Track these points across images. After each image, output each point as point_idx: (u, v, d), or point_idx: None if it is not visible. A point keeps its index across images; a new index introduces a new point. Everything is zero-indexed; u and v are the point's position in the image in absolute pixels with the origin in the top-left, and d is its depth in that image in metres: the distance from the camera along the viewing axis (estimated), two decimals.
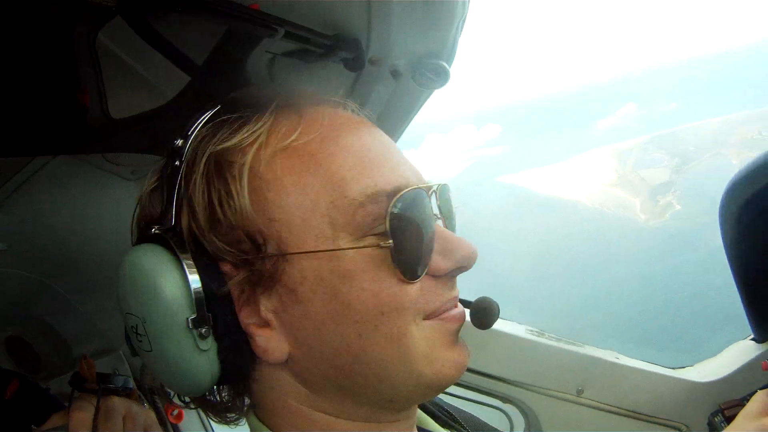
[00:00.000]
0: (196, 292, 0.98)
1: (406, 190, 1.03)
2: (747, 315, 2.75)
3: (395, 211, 1.00)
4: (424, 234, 1.05)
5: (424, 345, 1.05)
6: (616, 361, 2.80)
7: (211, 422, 2.52)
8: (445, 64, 1.86)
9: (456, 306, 1.12)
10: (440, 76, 1.87)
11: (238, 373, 1.08)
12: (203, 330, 0.98)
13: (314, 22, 1.55)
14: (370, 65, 1.73)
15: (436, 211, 1.14)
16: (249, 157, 1.01)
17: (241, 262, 1.01)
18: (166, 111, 1.53)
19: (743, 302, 2.72)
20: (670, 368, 2.83)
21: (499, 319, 1.25)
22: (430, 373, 1.06)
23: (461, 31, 1.82)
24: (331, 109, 1.12)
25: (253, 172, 1.01)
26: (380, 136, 1.13)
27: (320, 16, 1.56)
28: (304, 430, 1.09)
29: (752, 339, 2.81)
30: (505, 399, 2.80)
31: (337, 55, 1.60)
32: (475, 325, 1.24)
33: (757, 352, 2.73)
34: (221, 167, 1.01)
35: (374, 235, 1.01)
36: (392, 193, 1.02)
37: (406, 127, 2.24)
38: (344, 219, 1.00)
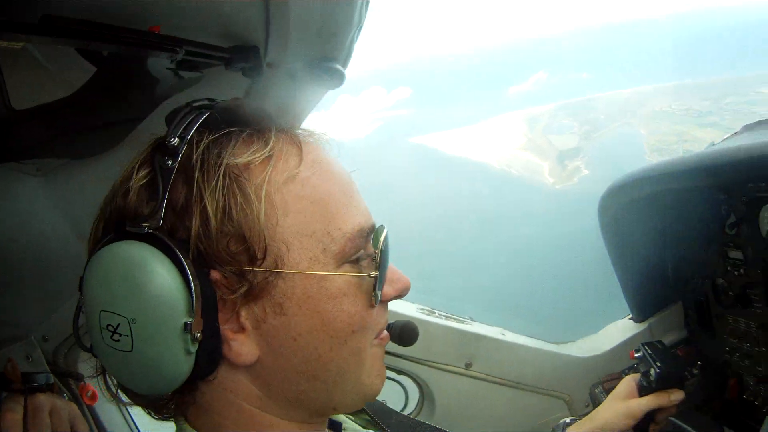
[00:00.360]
0: (195, 297, 1.01)
1: (385, 231, 1.19)
2: (626, 299, 2.99)
3: (383, 248, 1.17)
4: (387, 270, 1.23)
5: (370, 360, 1.22)
6: (502, 337, 2.95)
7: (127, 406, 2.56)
8: (340, 67, 1.91)
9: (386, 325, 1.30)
10: (335, 78, 1.91)
11: (205, 374, 1.10)
12: (197, 334, 1.02)
13: (214, 33, 1.58)
14: (268, 68, 1.76)
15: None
16: (265, 178, 1.07)
17: (233, 272, 1.05)
18: (72, 103, 1.50)
19: (622, 288, 2.96)
20: (554, 343, 3.01)
21: None
22: (369, 384, 1.23)
23: (358, 35, 1.87)
24: (315, 142, 1.21)
25: (267, 192, 1.06)
26: (346, 170, 1.24)
27: (220, 27, 1.58)
28: (246, 428, 1.16)
29: (631, 318, 3.06)
30: (400, 372, 2.92)
31: (236, 65, 1.62)
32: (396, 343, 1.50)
33: (635, 331, 2.98)
34: (239, 181, 1.05)
35: (351, 262, 1.14)
36: (370, 230, 1.18)
37: (301, 124, 2.23)
38: (336, 248, 1.12)
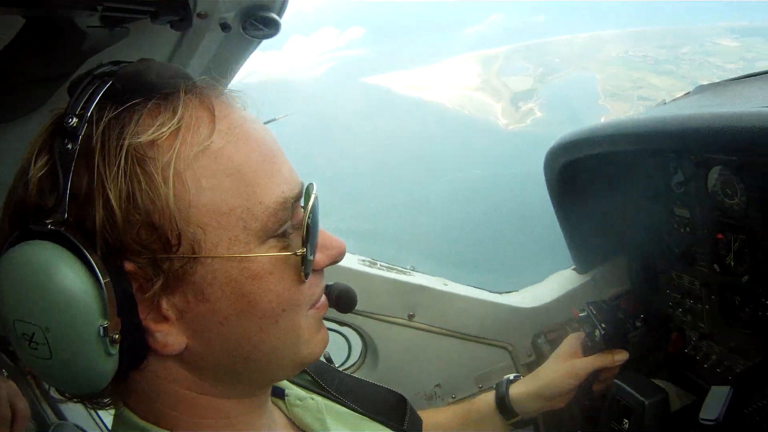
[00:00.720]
0: (108, 298, 0.94)
1: (313, 196, 1.12)
2: (570, 250, 2.99)
3: (309, 222, 1.09)
4: (318, 236, 1.16)
5: (307, 332, 1.16)
6: (444, 288, 2.93)
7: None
8: (276, 16, 1.82)
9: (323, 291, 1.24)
10: (271, 27, 1.82)
11: (132, 367, 1.05)
12: (115, 336, 0.95)
13: None
14: (199, 19, 1.65)
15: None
16: (173, 156, 0.96)
17: (148, 262, 0.97)
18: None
19: (566, 240, 2.95)
20: (497, 293, 3.01)
21: None
22: (307, 353, 1.18)
23: None
24: (229, 103, 1.09)
25: (176, 171, 0.96)
26: (269, 131, 1.15)
27: None
28: (186, 411, 1.11)
29: (574, 269, 3.07)
30: (342, 323, 2.89)
31: (163, 18, 1.52)
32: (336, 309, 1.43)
33: (578, 283, 3.00)
34: (144, 163, 0.95)
35: (276, 237, 1.06)
36: (296, 198, 1.10)
37: (234, 76, 2.18)
38: (257, 224, 1.03)
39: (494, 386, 2.31)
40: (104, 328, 0.93)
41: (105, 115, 0.96)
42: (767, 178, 2.01)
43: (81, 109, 0.96)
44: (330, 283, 1.36)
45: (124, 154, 0.94)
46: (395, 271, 2.91)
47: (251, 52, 2.05)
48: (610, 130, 2.37)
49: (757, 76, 2.50)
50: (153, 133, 0.96)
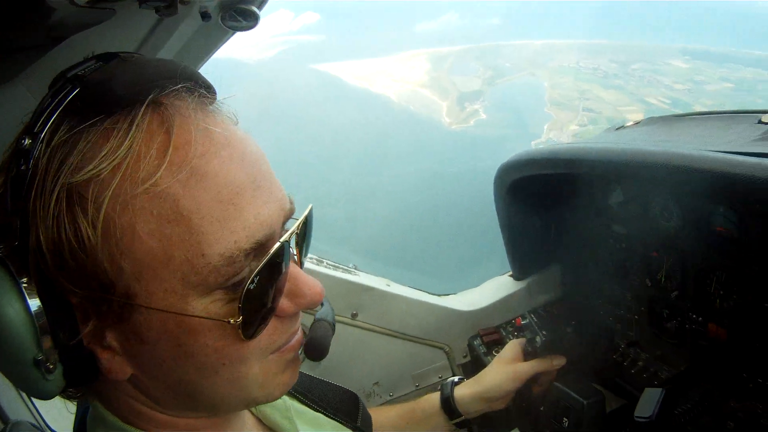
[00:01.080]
0: (42, 328, 0.89)
1: (276, 246, 0.97)
2: (509, 257, 3.10)
3: (251, 287, 0.94)
4: (275, 293, 1.01)
5: (261, 377, 1.05)
6: (387, 288, 2.99)
7: None
8: (256, 9, 1.80)
9: (296, 333, 1.12)
10: (249, 20, 1.79)
11: (83, 384, 1.01)
12: (50, 365, 0.91)
13: None
14: (181, 6, 1.59)
15: (292, 244, 1.11)
16: (106, 196, 0.87)
17: (86, 299, 0.91)
18: None
19: (507, 247, 3.06)
20: (436, 295, 3.08)
21: None
22: (262, 396, 1.09)
23: None
24: (200, 122, 0.95)
25: (107, 217, 0.87)
26: (251, 155, 1.00)
27: None
28: (151, 423, 1.08)
29: (510, 275, 3.18)
30: None
31: (151, 3, 1.48)
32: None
33: (514, 289, 3.11)
34: (73, 207, 0.86)
35: (225, 288, 0.95)
36: (250, 252, 0.95)
37: (202, 65, 2.15)
38: (197, 279, 0.91)
39: (435, 386, 2.43)
40: (37, 360, 0.90)
41: (56, 138, 0.89)
42: (702, 206, 2.15)
43: (40, 126, 0.89)
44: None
45: (56, 195, 0.86)
46: (341, 269, 2.95)
47: (224, 43, 2.02)
48: (567, 154, 2.48)
49: (703, 116, 2.64)
50: (93, 169, 0.86)
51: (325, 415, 1.60)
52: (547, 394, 2.41)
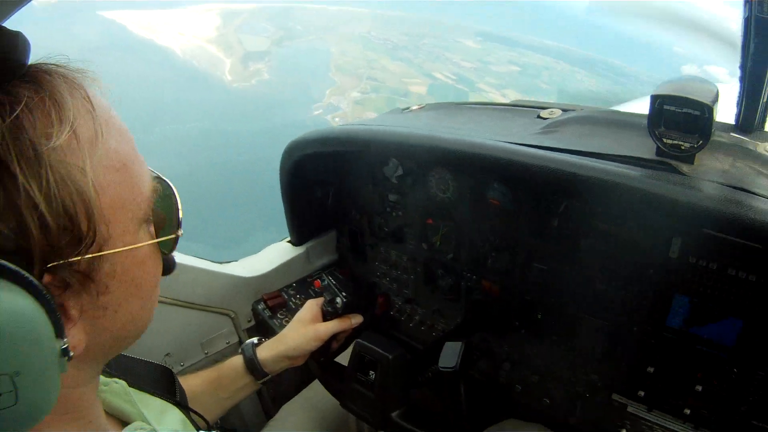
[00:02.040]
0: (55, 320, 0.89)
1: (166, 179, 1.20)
2: (288, 225, 3.25)
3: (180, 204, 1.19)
4: (174, 210, 1.24)
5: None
6: None
7: None
8: None
9: None
10: None
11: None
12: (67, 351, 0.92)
13: None
14: None
15: None
16: (87, 160, 0.93)
17: (61, 267, 0.91)
18: None
19: (287, 216, 3.21)
20: (218, 263, 3.09)
21: None
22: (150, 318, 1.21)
23: None
24: (97, 90, 1.04)
25: (83, 171, 0.92)
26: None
27: None
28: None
29: (289, 241, 3.32)
30: None
31: None
32: None
33: (293, 254, 3.24)
34: (57, 170, 0.88)
35: (147, 222, 1.10)
36: (157, 180, 1.15)
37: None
38: (141, 214, 1.07)
39: (223, 352, 2.72)
40: (63, 349, 0.91)
41: (5, 116, 0.86)
42: (478, 182, 2.46)
43: None
44: None
45: (47, 164, 0.87)
46: None
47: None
48: (355, 135, 2.67)
49: (483, 106, 2.92)
50: (59, 137, 0.89)
51: (150, 394, 1.61)
52: (349, 349, 2.56)
